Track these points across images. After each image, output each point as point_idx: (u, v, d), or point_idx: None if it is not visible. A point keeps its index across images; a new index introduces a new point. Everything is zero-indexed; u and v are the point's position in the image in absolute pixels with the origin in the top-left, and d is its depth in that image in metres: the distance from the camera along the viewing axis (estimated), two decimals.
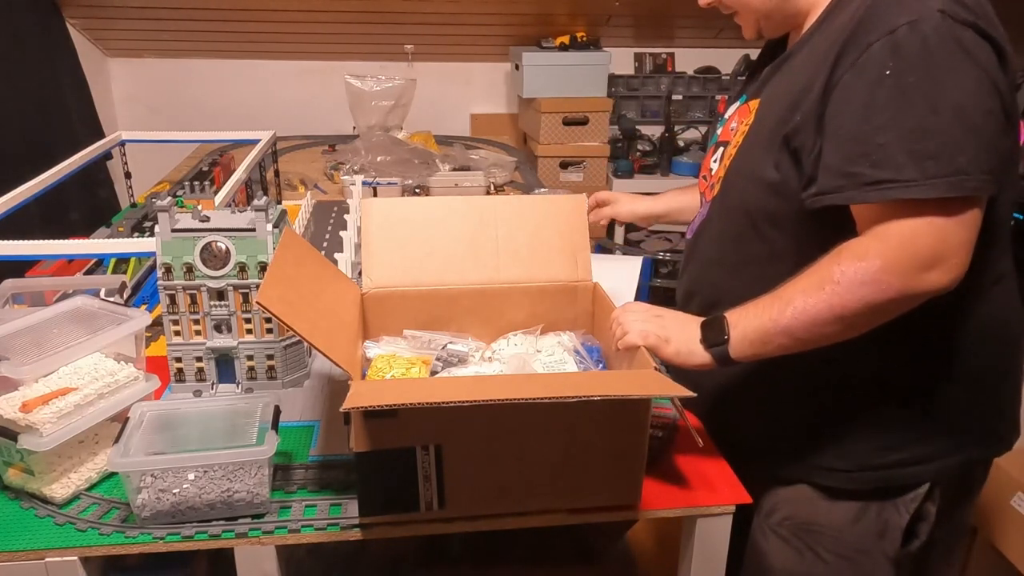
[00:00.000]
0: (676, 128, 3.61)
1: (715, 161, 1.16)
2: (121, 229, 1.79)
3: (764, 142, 1.01)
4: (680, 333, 1.01)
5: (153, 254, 1.14)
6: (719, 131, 1.19)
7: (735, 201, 1.07)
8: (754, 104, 1.08)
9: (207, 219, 1.15)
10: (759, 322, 0.95)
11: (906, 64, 0.86)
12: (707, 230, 1.14)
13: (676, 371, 1.02)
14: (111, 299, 1.24)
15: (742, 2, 1.07)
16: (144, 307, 1.47)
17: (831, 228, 0.94)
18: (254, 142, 2.13)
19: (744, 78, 1.25)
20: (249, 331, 1.17)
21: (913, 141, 0.86)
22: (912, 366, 1.03)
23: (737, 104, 1.16)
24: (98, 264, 1.64)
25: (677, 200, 1.46)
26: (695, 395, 0.90)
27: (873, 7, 0.91)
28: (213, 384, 1.19)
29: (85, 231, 1.85)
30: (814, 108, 0.94)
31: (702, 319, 1.01)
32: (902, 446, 1.04)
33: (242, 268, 1.14)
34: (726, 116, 1.19)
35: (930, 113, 0.86)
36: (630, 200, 1.50)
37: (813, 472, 1.08)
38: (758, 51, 1.22)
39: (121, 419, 0.98)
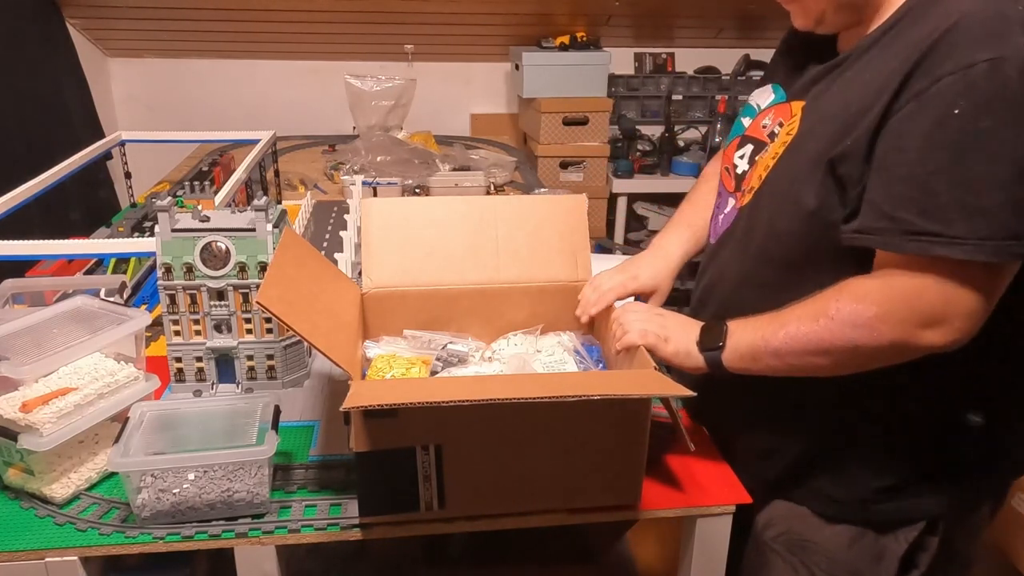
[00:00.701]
0: (676, 128, 3.61)
1: (741, 157, 1.08)
2: (121, 229, 1.79)
3: (807, 163, 0.92)
4: (680, 333, 1.01)
5: (153, 254, 1.14)
6: (745, 121, 1.11)
7: (764, 219, 0.99)
8: (797, 107, 0.99)
9: (207, 219, 1.14)
10: (752, 337, 0.94)
11: (978, 107, 0.78)
12: (730, 240, 1.07)
13: (683, 376, 1.01)
14: (111, 299, 1.24)
15: None
16: (144, 307, 1.47)
17: (862, 263, 0.89)
18: (254, 142, 2.13)
19: (770, 62, 1.15)
20: (249, 331, 1.17)
21: (969, 194, 0.79)
22: (929, 404, 0.97)
23: (772, 98, 1.07)
24: (98, 264, 1.64)
25: (699, 225, 1.24)
26: (695, 394, 0.90)
27: (951, 33, 0.81)
28: (213, 384, 1.19)
29: (85, 231, 1.85)
30: (867, 135, 0.85)
31: (703, 323, 1.01)
32: (907, 482, 0.99)
33: (242, 268, 1.14)
34: (755, 106, 1.10)
35: (993, 166, 0.78)
36: (666, 271, 1.22)
37: (811, 496, 1.04)
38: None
39: (121, 419, 0.98)
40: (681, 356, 0.99)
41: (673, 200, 3.66)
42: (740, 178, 1.08)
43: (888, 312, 0.84)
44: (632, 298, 1.19)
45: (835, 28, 0.98)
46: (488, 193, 2.26)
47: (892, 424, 0.98)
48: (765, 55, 3.54)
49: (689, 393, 0.88)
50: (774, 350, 0.91)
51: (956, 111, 0.79)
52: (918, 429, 0.98)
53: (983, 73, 0.78)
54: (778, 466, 1.05)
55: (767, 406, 1.04)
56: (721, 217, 1.12)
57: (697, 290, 1.17)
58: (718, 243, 1.11)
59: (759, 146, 1.05)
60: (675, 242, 1.23)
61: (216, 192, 1.77)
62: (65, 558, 0.90)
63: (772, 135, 1.03)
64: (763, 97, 1.09)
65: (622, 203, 3.57)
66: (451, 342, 1.14)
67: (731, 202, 1.10)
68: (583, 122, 3.46)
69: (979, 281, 0.82)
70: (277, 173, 2.29)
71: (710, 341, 0.98)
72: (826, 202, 0.90)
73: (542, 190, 2.33)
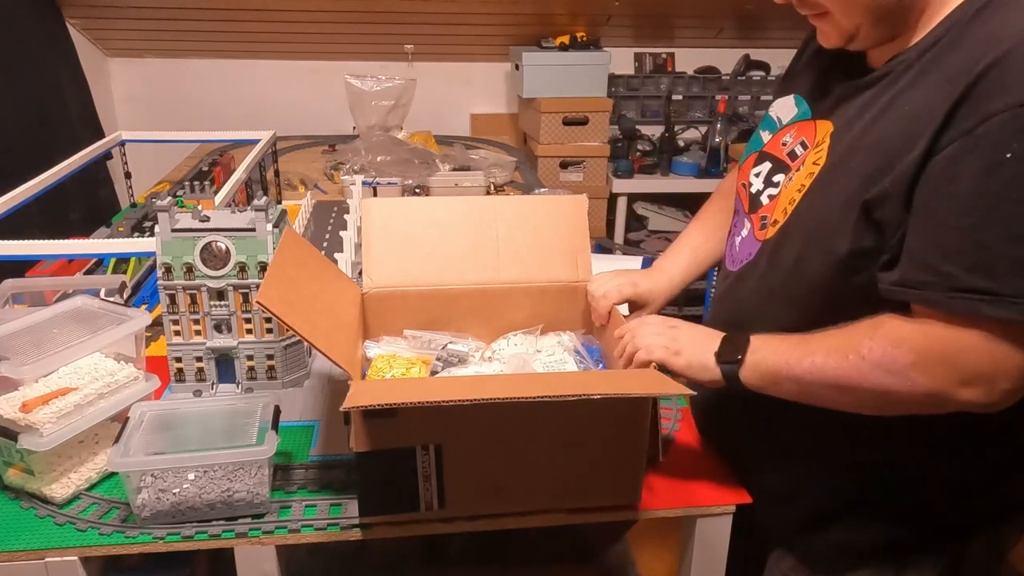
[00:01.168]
0: (676, 128, 3.61)
1: (757, 175, 1.02)
2: (121, 229, 1.79)
3: (839, 203, 0.84)
4: (693, 346, 0.95)
5: (153, 254, 1.14)
6: (764, 136, 1.04)
7: (791, 261, 0.91)
8: (823, 128, 0.91)
9: (207, 219, 1.14)
10: (776, 359, 0.88)
11: None
12: (751, 276, 0.99)
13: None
14: (111, 299, 1.24)
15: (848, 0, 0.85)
16: (144, 307, 1.47)
17: (894, 309, 0.83)
18: (254, 142, 2.13)
19: (789, 67, 1.07)
20: (249, 331, 1.17)
21: (1022, 248, 0.73)
22: (957, 453, 0.91)
23: (794, 113, 0.99)
24: (98, 264, 1.64)
25: (703, 250, 1.21)
26: (695, 393, 0.90)
27: (1003, 62, 0.73)
28: (213, 384, 1.19)
29: (85, 231, 1.85)
30: (908, 176, 0.78)
31: (724, 333, 0.95)
32: (932, 528, 0.95)
33: (242, 268, 1.14)
34: (776, 119, 1.03)
35: None
36: (666, 289, 1.19)
37: (829, 547, 0.99)
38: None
39: (121, 419, 0.98)
40: (695, 369, 0.93)
41: (673, 200, 3.67)
42: (754, 198, 1.02)
43: (927, 364, 0.78)
44: (625, 304, 1.17)
45: (869, 44, 0.88)
46: (488, 193, 2.26)
47: (921, 471, 0.93)
48: (765, 55, 3.58)
49: (689, 392, 0.88)
50: (796, 377, 0.86)
51: (1008, 155, 0.71)
52: (948, 475, 0.93)
53: None
54: (798, 511, 1.00)
55: (789, 447, 0.98)
56: (739, 241, 1.05)
57: (717, 322, 1.05)
58: (738, 276, 1.03)
59: (778, 166, 0.99)
60: (678, 265, 1.20)
61: (216, 192, 1.77)
62: (65, 558, 0.90)
63: (792, 155, 0.97)
64: (785, 111, 1.02)
65: (622, 203, 3.57)
66: (451, 342, 1.14)
67: (747, 225, 1.03)
68: (583, 122, 3.46)
69: None
70: (277, 173, 2.29)
71: (729, 353, 0.92)
72: (860, 247, 0.83)
73: (542, 190, 2.33)
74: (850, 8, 0.84)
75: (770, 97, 1.10)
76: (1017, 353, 0.76)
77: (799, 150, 0.96)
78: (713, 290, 1.17)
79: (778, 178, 0.98)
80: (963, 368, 0.77)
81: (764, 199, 1.00)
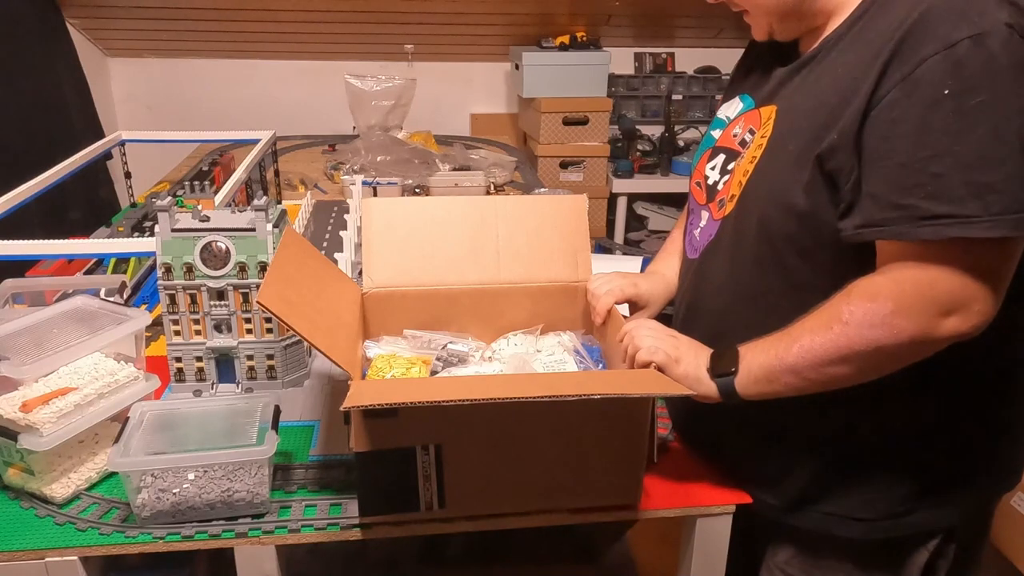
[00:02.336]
0: (676, 128, 3.61)
1: (712, 168, 1.06)
2: (121, 229, 1.79)
3: (790, 162, 0.89)
4: (691, 356, 0.95)
5: (153, 254, 1.14)
6: (715, 134, 1.09)
7: (753, 226, 0.95)
8: (767, 112, 0.97)
9: (207, 219, 1.15)
10: (765, 358, 0.89)
11: (968, 84, 0.77)
12: (716, 252, 1.02)
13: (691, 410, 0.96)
14: (111, 299, 1.24)
15: (754, 1, 0.96)
16: (144, 307, 1.47)
17: (862, 260, 0.86)
18: (254, 142, 2.13)
19: (733, 75, 1.14)
20: (249, 331, 1.17)
21: (974, 172, 0.77)
22: (940, 414, 0.94)
23: (740, 107, 1.05)
24: (98, 264, 1.64)
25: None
26: (694, 393, 0.90)
27: (926, 15, 0.80)
28: (213, 384, 1.19)
29: (85, 231, 1.85)
30: (853, 126, 0.83)
31: (712, 350, 0.95)
32: (923, 496, 0.96)
33: (242, 268, 1.14)
34: (724, 118, 1.08)
35: (995, 141, 0.77)
36: (664, 291, 1.20)
37: (823, 518, 1.00)
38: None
39: (121, 419, 0.98)
40: (691, 380, 0.94)
41: (673, 200, 3.67)
42: (712, 189, 1.05)
43: (905, 306, 0.81)
44: (626, 305, 1.17)
45: (789, 36, 0.98)
46: (488, 193, 2.26)
47: (907, 437, 0.95)
48: None
49: (689, 392, 0.87)
50: (790, 367, 0.87)
51: (946, 91, 0.77)
52: (935, 440, 0.95)
53: (967, 50, 0.77)
54: (788, 491, 1.00)
55: (776, 428, 0.99)
56: (697, 232, 1.08)
57: (681, 310, 1.11)
58: (702, 258, 1.06)
59: (731, 155, 1.03)
60: (672, 268, 1.21)
61: (216, 192, 1.77)
62: (65, 558, 0.90)
63: (743, 143, 1.00)
64: (731, 109, 1.07)
65: (622, 203, 3.57)
66: (451, 342, 1.14)
67: (705, 215, 1.06)
68: (583, 122, 3.46)
69: (993, 260, 0.80)
70: (277, 173, 2.29)
71: (722, 366, 0.92)
72: (817, 200, 0.87)
73: (542, 190, 2.33)
74: (756, 9, 0.97)
75: None
76: (984, 273, 0.80)
77: (748, 137, 1.00)
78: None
79: (731, 165, 1.02)
80: (939, 299, 0.80)
81: (720, 186, 1.04)
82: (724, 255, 1.01)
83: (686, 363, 0.94)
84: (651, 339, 0.97)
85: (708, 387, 0.93)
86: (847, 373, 0.86)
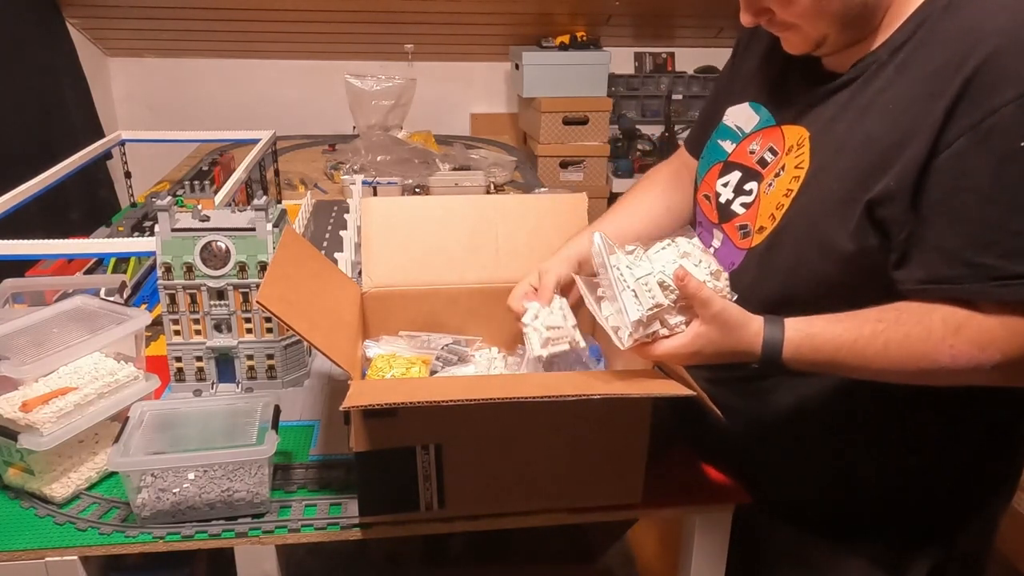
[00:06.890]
0: (676, 127, 3.62)
1: (725, 185, 1.00)
2: (121, 229, 1.79)
3: (835, 202, 0.84)
4: (717, 350, 0.86)
5: (153, 254, 1.14)
6: (725, 145, 1.02)
7: (784, 262, 0.90)
8: (794, 134, 0.91)
9: (207, 219, 1.15)
10: (836, 331, 0.82)
11: None
12: (739, 283, 0.94)
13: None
14: (111, 299, 1.24)
15: (816, 9, 0.83)
16: (144, 307, 1.47)
17: (896, 297, 0.83)
18: (254, 142, 2.13)
19: (729, 74, 1.07)
20: (249, 331, 1.17)
21: None
22: (944, 430, 0.93)
23: (755, 120, 0.98)
24: (98, 264, 1.64)
25: (640, 222, 1.15)
26: (695, 393, 0.90)
27: (997, 57, 0.75)
28: (213, 384, 1.19)
29: (85, 231, 1.85)
30: (912, 174, 0.78)
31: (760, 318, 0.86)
32: (933, 502, 0.96)
33: (242, 268, 1.14)
34: (735, 127, 1.01)
35: None
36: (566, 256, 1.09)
37: (828, 521, 0.99)
38: None
39: (121, 419, 0.98)
40: (725, 356, 0.85)
41: None
42: (724, 207, 1.00)
43: (1013, 360, 0.79)
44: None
45: (836, 50, 0.89)
46: (488, 193, 2.26)
47: (920, 445, 0.94)
48: None
49: (689, 392, 0.87)
50: (859, 352, 0.81)
51: (1022, 143, 0.74)
52: (949, 447, 0.94)
53: None
54: (789, 492, 1.00)
55: (777, 429, 0.98)
56: (719, 258, 1.00)
57: None
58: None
59: (749, 174, 0.97)
60: (612, 222, 1.13)
61: (216, 192, 1.77)
62: (65, 558, 0.90)
63: (763, 162, 0.96)
64: (744, 119, 1.01)
65: None
66: (451, 342, 1.14)
67: (719, 236, 1.00)
68: (583, 122, 3.46)
69: None
70: (277, 173, 2.29)
71: (773, 329, 0.84)
72: (866, 245, 0.82)
73: (542, 190, 2.33)
74: (818, 19, 0.85)
75: None
76: None
77: (768, 156, 0.95)
78: None
79: (750, 186, 0.97)
80: None
81: (737, 207, 0.98)
82: (749, 290, 0.94)
83: (707, 356, 0.86)
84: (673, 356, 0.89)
85: (750, 342, 0.83)
86: (909, 382, 0.83)
